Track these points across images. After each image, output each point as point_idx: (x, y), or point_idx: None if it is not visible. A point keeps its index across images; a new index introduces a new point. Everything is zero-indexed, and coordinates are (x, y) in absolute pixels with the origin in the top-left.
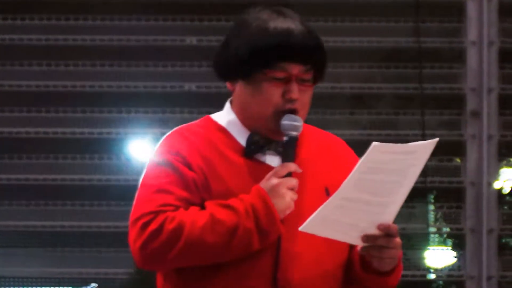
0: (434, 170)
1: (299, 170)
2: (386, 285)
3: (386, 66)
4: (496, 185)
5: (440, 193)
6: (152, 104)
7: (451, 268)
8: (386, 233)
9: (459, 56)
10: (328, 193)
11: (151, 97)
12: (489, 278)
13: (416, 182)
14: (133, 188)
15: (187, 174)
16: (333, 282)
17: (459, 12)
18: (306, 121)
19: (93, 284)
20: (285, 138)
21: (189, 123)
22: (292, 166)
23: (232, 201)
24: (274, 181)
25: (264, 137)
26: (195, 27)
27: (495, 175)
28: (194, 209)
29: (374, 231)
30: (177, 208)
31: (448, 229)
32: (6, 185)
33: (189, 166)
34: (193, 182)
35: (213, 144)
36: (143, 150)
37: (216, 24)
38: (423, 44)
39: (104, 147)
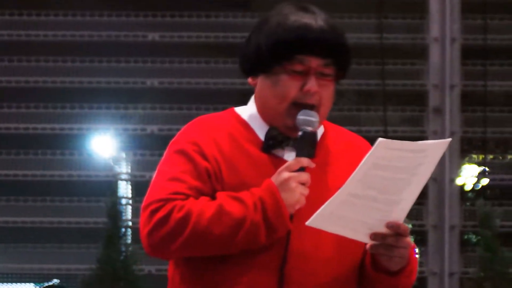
0: None
1: (312, 165)
2: (398, 286)
3: None
4: (458, 181)
5: None
6: (114, 100)
7: None
8: (395, 231)
9: (421, 53)
10: None
11: (114, 92)
12: (451, 274)
13: None
14: (96, 183)
15: (201, 164)
16: (341, 283)
17: (422, 8)
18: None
19: (55, 280)
20: (299, 133)
21: (212, 113)
22: (304, 161)
23: (242, 194)
24: (285, 175)
25: (283, 133)
26: (157, 23)
27: (457, 171)
28: (204, 199)
29: (383, 229)
30: (187, 197)
31: (410, 225)
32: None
33: (204, 156)
34: (206, 171)
35: (232, 136)
36: (105, 145)
37: (179, 20)
38: (385, 40)
39: (66, 143)
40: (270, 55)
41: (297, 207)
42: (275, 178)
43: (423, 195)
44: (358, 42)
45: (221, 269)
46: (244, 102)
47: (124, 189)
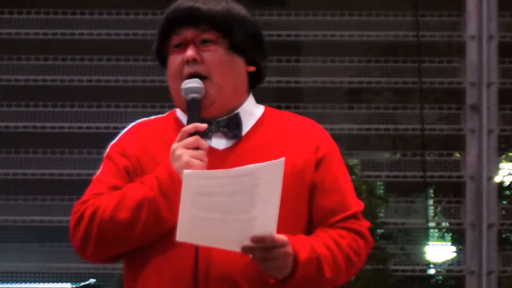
0: (433, 165)
1: (202, 128)
2: (302, 286)
3: (385, 60)
4: (496, 179)
5: (440, 188)
6: (150, 99)
7: (450, 263)
8: (262, 245)
9: (458, 50)
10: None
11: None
12: (489, 273)
13: (415, 177)
14: None
15: (120, 162)
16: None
17: (459, 6)
18: (305, 114)
19: (91, 280)
20: (187, 103)
21: (153, 117)
22: (189, 128)
23: (146, 176)
24: (173, 146)
25: (204, 119)
26: None
27: (495, 169)
28: (116, 192)
29: (246, 242)
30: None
31: (447, 224)
32: (4, 180)
33: (124, 155)
34: (124, 169)
35: (160, 134)
36: None
37: None
38: (422, 38)
39: (102, 142)
40: (157, 42)
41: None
42: (170, 155)
43: (460, 193)
44: (394, 40)
45: (147, 263)
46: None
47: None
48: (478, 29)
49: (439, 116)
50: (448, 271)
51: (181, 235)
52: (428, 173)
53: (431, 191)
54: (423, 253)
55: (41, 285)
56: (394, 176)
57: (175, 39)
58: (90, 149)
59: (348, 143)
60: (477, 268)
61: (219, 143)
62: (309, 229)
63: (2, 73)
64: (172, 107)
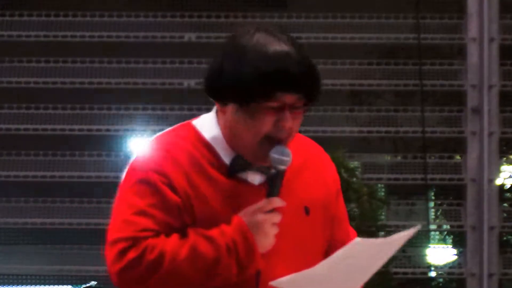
0: (434, 167)
1: (283, 204)
2: None
3: (386, 63)
4: (497, 181)
5: (441, 190)
6: (151, 101)
7: (451, 266)
8: None
9: (459, 53)
10: (308, 213)
11: (151, 94)
12: (490, 275)
13: (416, 179)
14: None
15: (172, 199)
16: None
17: (460, 8)
18: (306, 117)
19: (93, 282)
20: (272, 171)
21: (171, 132)
22: (277, 202)
23: (213, 233)
24: (260, 217)
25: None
26: (194, 23)
27: (496, 171)
28: (175, 237)
29: None
30: (157, 233)
31: (448, 227)
32: (4, 182)
33: (173, 189)
34: (176, 207)
35: (198, 163)
36: (142, 147)
37: (215, 21)
38: (423, 40)
39: (103, 144)
40: (250, 91)
41: (269, 247)
42: (248, 219)
43: (461, 195)
44: (395, 42)
45: None
46: None
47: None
48: (479, 32)
49: (440, 119)
50: (449, 273)
51: (280, 283)
52: (429, 176)
53: (432, 193)
54: (424, 255)
55: (42, 287)
56: (395, 179)
57: (274, 103)
58: (91, 152)
59: (349, 146)
60: (478, 270)
61: (254, 178)
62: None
63: (3, 75)
64: (172, 109)
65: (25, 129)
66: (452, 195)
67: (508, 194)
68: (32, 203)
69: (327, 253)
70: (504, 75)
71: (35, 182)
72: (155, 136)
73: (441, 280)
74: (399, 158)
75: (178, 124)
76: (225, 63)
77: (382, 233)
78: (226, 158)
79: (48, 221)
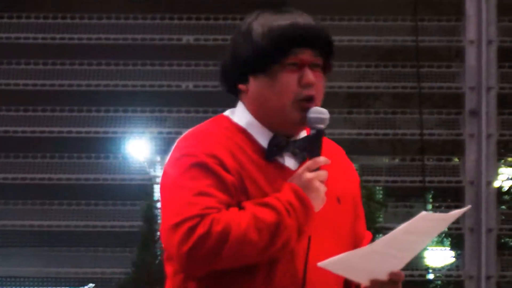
0: (432, 169)
1: (329, 161)
2: None
3: (384, 65)
4: (495, 184)
5: (439, 192)
6: (149, 103)
7: (449, 268)
8: (394, 280)
9: (457, 55)
10: (339, 202)
11: (148, 96)
12: (488, 278)
13: (414, 182)
14: (131, 187)
15: (226, 178)
16: None
17: (458, 10)
18: None
19: (90, 284)
20: (312, 131)
21: (206, 123)
22: (321, 159)
23: (269, 200)
24: (308, 175)
25: (285, 138)
26: (192, 26)
27: (494, 174)
28: (235, 210)
29: (384, 277)
30: (219, 210)
31: (446, 229)
32: (2, 184)
33: (226, 169)
34: (232, 185)
35: (241, 147)
36: (140, 149)
37: (214, 23)
38: (421, 42)
39: (101, 146)
40: (267, 53)
41: (322, 205)
42: (298, 181)
43: (459, 198)
44: (393, 45)
45: (241, 284)
46: None
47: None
48: (477, 34)
49: (438, 121)
50: (447, 276)
51: (328, 264)
52: (427, 178)
53: (430, 195)
54: (422, 258)
55: None
56: (393, 181)
57: (292, 59)
58: (89, 154)
59: (347, 148)
60: (476, 273)
61: (290, 162)
62: None
63: (1, 77)
64: (170, 111)
65: (23, 131)
66: (450, 197)
67: (506, 197)
68: (30, 205)
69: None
70: (502, 78)
71: (33, 184)
72: (187, 131)
73: (439, 282)
74: (397, 160)
75: (210, 118)
76: (236, 46)
77: (380, 235)
78: (263, 141)
79: (46, 223)
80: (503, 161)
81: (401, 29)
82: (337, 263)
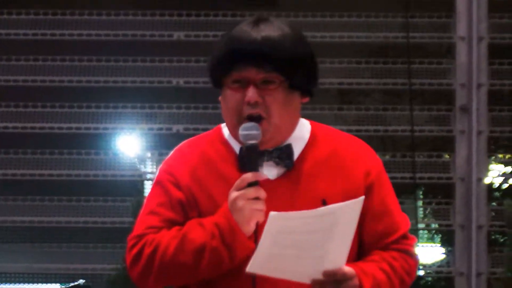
0: (422, 166)
1: (262, 177)
2: None
3: (374, 61)
4: (486, 180)
5: (429, 189)
6: (140, 99)
7: (440, 265)
8: (332, 279)
9: (448, 52)
10: (326, 205)
11: (139, 92)
12: (478, 274)
13: (405, 178)
14: (121, 183)
15: (174, 194)
16: None
17: (449, 7)
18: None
19: (81, 280)
20: (242, 148)
21: (199, 135)
22: (248, 176)
23: (207, 219)
24: (232, 195)
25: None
26: (183, 22)
27: (484, 170)
28: (174, 230)
29: (321, 276)
30: (159, 229)
31: (437, 225)
32: None
33: (178, 186)
34: (178, 202)
35: (211, 161)
36: (130, 145)
37: (204, 20)
38: (412, 39)
39: (91, 143)
40: (214, 70)
41: (252, 223)
42: (228, 201)
43: (450, 194)
44: (384, 41)
45: None
46: None
47: (150, 189)
48: (468, 31)
49: (428, 118)
50: (437, 272)
51: (252, 267)
52: (418, 175)
53: (421, 192)
54: None
55: (31, 285)
56: None
57: (236, 75)
58: (80, 150)
59: None
60: (466, 269)
61: (270, 172)
62: (359, 251)
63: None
64: (161, 107)
65: (13, 127)
66: (441, 194)
67: (496, 193)
68: (20, 201)
69: (368, 246)
70: (493, 74)
71: (23, 181)
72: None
73: (429, 279)
74: (387, 157)
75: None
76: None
77: None
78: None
79: (37, 219)
80: (493, 157)
81: (392, 26)
82: (257, 265)
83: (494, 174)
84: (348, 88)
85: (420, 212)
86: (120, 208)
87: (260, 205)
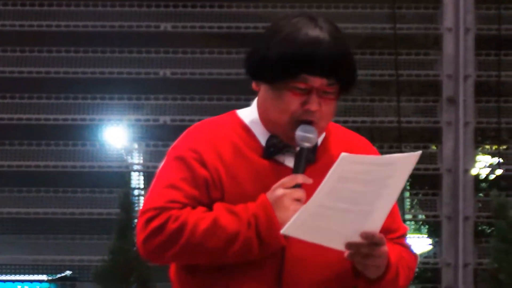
0: None
1: (309, 181)
2: None
3: (362, 53)
4: (473, 172)
5: (416, 180)
6: (126, 90)
7: (427, 255)
8: (369, 241)
9: (435, 43)
10: None
11: (126, 83)
12: (465, 265)
13: None
14: (108, 174)
15: (200, 172)
16: (342, 286)
17: None
18: None
19: (68, 272)
20: (297, 149)
21: (214, 118)
22: (299, 178)
23: (238, 208)
24: (279, 192)
25: (284, 141)
26: (170, 13)
27: (471, 162)
28: (200, 210)
29: (358, 238)
30: (184, 205)
31: (424, 217)
32: None
33: (203, 164)
34: (204, 180)
35: (234, 144)
36: (117, 136)
37: (191, 10)
38: (399, 30)
39: (79, 134)
40: (276, 70)
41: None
42: (270, 195)
43: (437, 186)
44: (371, 32)
45: (218, 279)
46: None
47: (137, 180)
48: (455, 22)
49: (415, 109)
50: (424, 263)
51: (290, 227)
52: None
53: (408, 183)
54: None
55: (17, 277)
56: None
57: (301, 84)
58: (67, 141)
59: None
60: (453, 260)
61: (291, 161)
62: None
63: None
64: (148, 99)
65: (0, 119)
66: (428, 185)
67: (483, 184)
68: (7, 193)
69: None
70: (480, 66)
71: (10, 172)
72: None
73: (416, 269)
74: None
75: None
76: (260, 42)
77: None
78: (263, 140)
79: (24, 211)
80: (480, 148)
81: (379, 17)
82: (296, 226)
83: (481, 165)
84: None
85: (407, 203)
86: (107, 200)
87: (300, 207)
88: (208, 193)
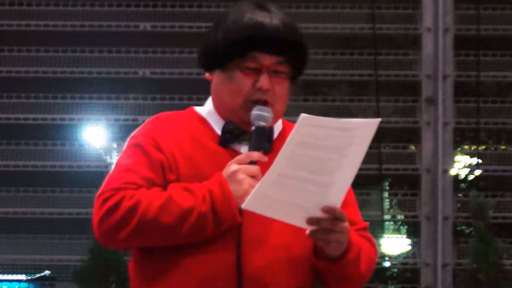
0: (389, 157)
1: (264, 159)
2: (347, 275)
3: (341, 53)
4: (452, 172)
5: (395, 180)
6: (106, 90)
7: (406, 256)
8: (331, 216)
9: (414, 43)
10: None
11: (105, 83)
12: (444, 265)
13: (371, 169)
14: (87, 174)
15: (155, 156)
16: (301, 269)
17: None
18: None
19: (47, 271)
20: (252, 128)
21: (173, 111)
22: (254, 155)
23: (193, 185)
24: (234, 167)
25: (240, 128)
26: (149, 13)
27: (450, 162)
28: (155, 190)
29: (319, 213)
30: (139, 187)
31: (403, 217)
32: None
33: (159, 149)
34: (159, 163)
35: (191, 133)
36: (96, 136)
37: (170, 10)
38: (378, 30)
39: (58, 133)
40: (224, 52)
41: (244, 198)
42: (225, 171)
43: (416, 186)
44: (350, 32)
45: (175, 263)
46: None
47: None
48: (434, 22)
49: (394, 109)
50: (403, 263)
51: (250, 202)
52: (384, 166)
53: (387, 183)
54: (378, 245)
55: None
56: None
57: (250, 62)
58: (46, 141)
59: None
60: (432, 260)
61: (247, 149)
62: None
63: None
64: (127, 98)
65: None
66: (407, 185)
67: (462, 184)
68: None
69: None
70: (459, 66)
71: None
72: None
73: (395, 270)
74: None
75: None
76: (210, 31)
77: None
78: (218, 129)
79: (2, 210)
80: (459, 149)
81: (358, 17)
82: (256, 199)
83: (460, 165)
84: (314, 79)
85: (386, 203)
86: (86, 199)
87: (256, 184)
88: (164, 175)
